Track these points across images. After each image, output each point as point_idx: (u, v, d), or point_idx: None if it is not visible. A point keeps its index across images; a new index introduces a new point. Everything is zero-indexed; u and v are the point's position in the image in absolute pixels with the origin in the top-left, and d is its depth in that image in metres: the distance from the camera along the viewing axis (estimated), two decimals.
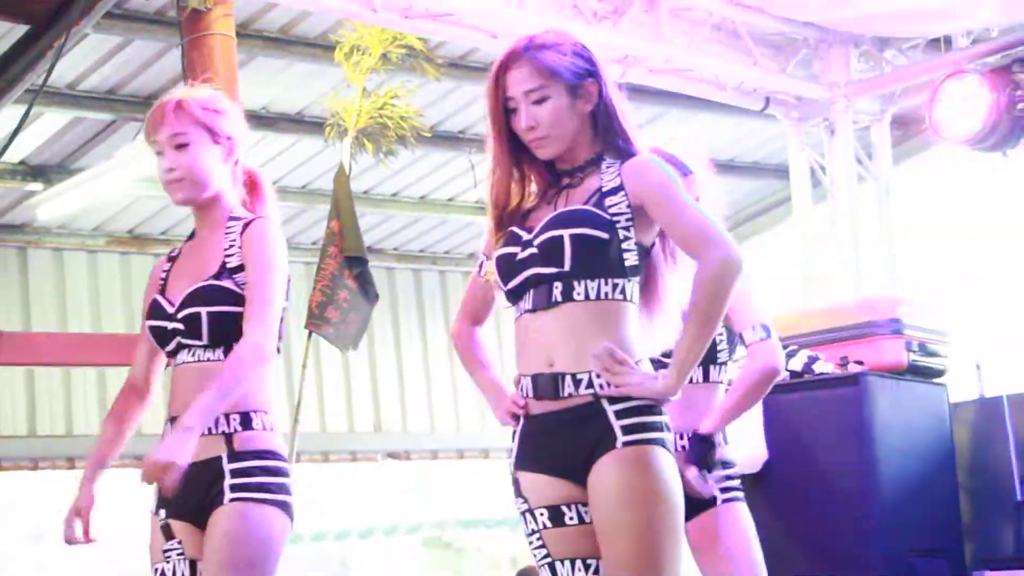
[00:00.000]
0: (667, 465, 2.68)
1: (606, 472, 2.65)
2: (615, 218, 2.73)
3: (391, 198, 10.64)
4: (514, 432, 2.80)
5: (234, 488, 2.99)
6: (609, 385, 2.68)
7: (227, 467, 3.01)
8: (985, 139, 7.61)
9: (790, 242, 8.66)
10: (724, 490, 3.63)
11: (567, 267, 2.72)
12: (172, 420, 3.08)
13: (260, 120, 8.95)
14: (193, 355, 3.09)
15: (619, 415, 2.68)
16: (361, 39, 7.44)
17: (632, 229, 2.74)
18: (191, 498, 3.01)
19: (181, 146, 3.15)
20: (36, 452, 10.31)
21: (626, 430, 2.66)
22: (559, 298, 2.72)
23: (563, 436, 2.70)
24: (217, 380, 2.96)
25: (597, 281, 2.72)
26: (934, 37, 8.10)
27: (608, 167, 2.80)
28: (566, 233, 2.72)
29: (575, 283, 2.71)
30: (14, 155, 8.91)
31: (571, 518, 2.69)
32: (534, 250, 2.75)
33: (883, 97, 8.44)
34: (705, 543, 3.61)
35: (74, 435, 10.46)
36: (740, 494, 3.69)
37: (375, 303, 7.40)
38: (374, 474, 11.99)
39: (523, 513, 2.74)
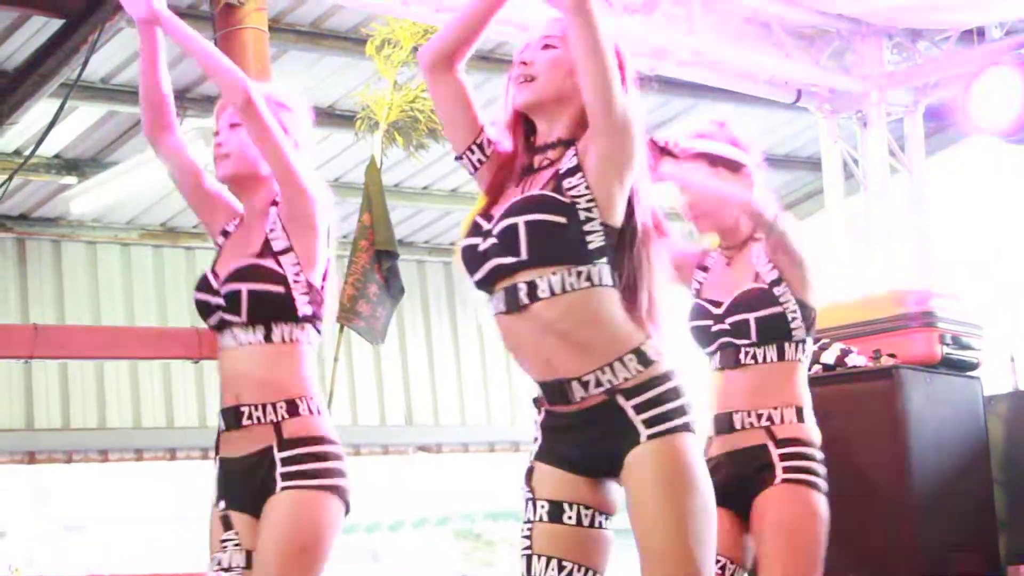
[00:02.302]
0: (694, 452, 2.62)
1: (636, 469, 2.59)
2: (575, 200, 2.61)
3: (422, 191, 10.67)
4: (536, 421, 2.75)
5: (285, 476, 3.01)
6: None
7: (277, 456, 3.03)
8: (1019, 131, 7.56)
9: (822, 234, 8.63)
10: (790, 469, 3.50)
11: (524, 255, 2.60)
12: (224, 412, 3.10)
13: None
14: (234, 338, 3.10)
15: (638, 409, 2.59)
16: (392, 32, 7.45)
17: (595, 209, 2.61)
18: (248, 489, 3.05)
19: (235, 125, 3.19)
20: (70, 445, 10.38)
21: (648, 423, 2.59)
22: (525, 300, 2.61)
23: (583, 434, 2.63)
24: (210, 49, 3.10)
25: (560, 273, 2.60)
26: (967, 28, 8.05)
27: (571, 150, 2.68)
28: (520, 220, 2.61)
29: (538, 279, 2.60)
30: (49, 149, 8.97)
31: (569, 517, 2.64)
32: (494, 240, 2.65)
33: (916, 89, 8.39)
34: (756, 522, 3.51)
35: (107, 428, 10.53)
36: (809, 476, 3.51)
37: (400, 298, 7.41)
38: (405, 467, 12.01)
39: (526, 501, 2.70)
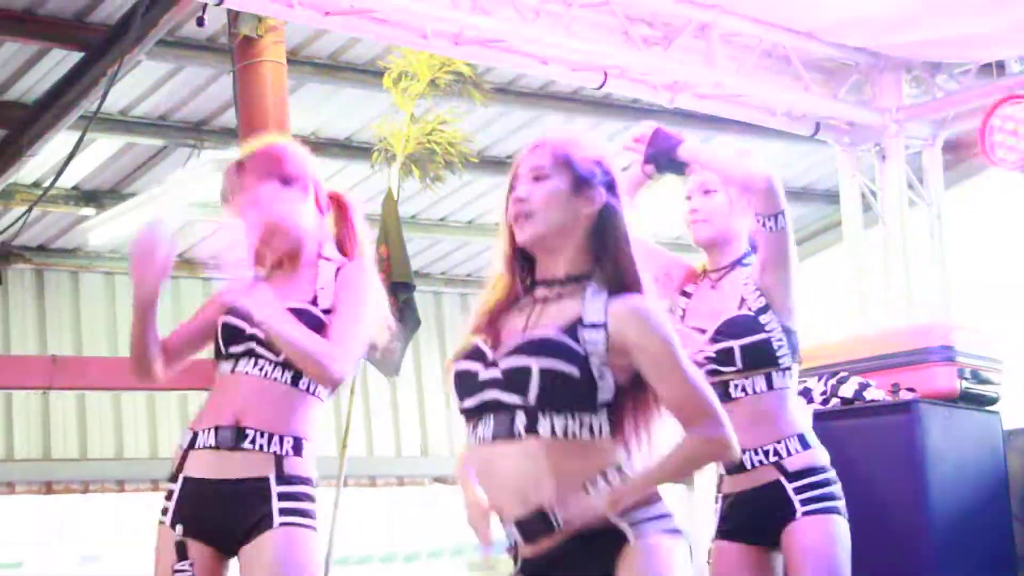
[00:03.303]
0: (677, 555, 2.54)
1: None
2: (590, 355, 2.52)
3: (439, 223, 10.68)
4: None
5: (283, 512, 2.96)
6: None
7: (275, 489, 2.98)
8: None
9: (840, 267, 8.60)
10: (807, 501, 3.48)
11: (532, 400, 2.50)
12: (220, 428, 3.02)
13: (309, 145, 8.90)
14: (259, 369, 3.04)
15: (632, 523, 2.51)
16: (410, 65, 7.47)
17: (607, 367, 2.53)
18: (225, 517, 2.97)
19: (254, 203, 3.14)
20: (87, 475, 10.39)
21: (637, 533, 2.50)
22: (522, 431, 2.50)
23: (569, 561, 2.52)
24: (303, 330, 2.96)
25: (564, 417, 2.50)
26: (986, 62, 8.04)
27: (594, 295, 2.57)
28: (535, 365, 2.50)
29: (539, 416, 2.50)
30: (67, 180, 9.02)
31: None
32: (497, 374, 2.55)
33: (935, 122, 8.38)
34: (786, 557, 3.50)
35: (124, 458, 10.54)
36: (830, 503, 3.50)
37: (416, 330, 7.41)
38: (421, 498, 11.98)
39: None
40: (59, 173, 7.65)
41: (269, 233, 3.11)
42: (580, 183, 2.62)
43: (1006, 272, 9.50)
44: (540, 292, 2.64)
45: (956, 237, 8.66)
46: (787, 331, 3.56)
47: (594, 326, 2.55)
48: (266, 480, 2.98)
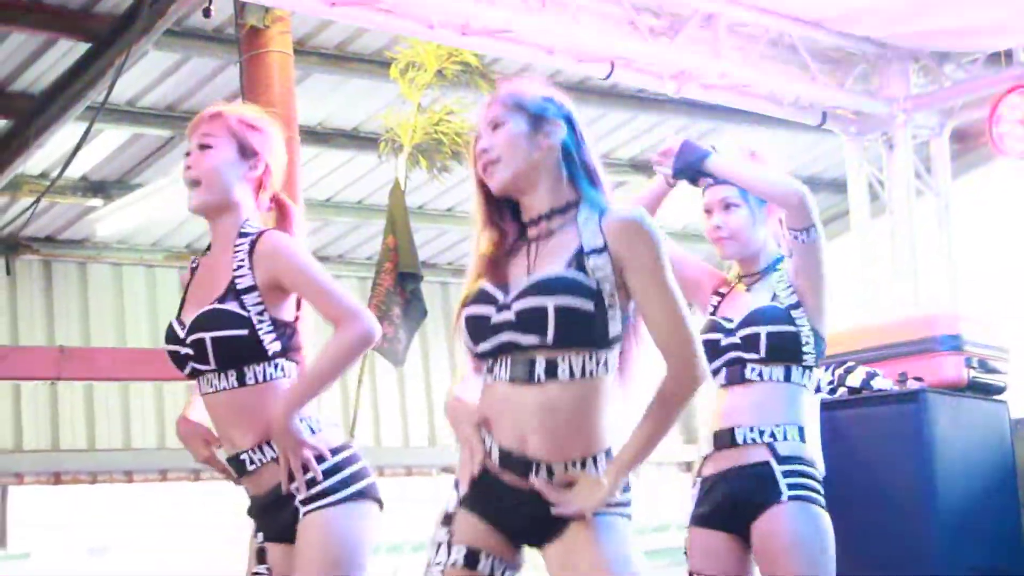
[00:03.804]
0: (624, 536, 2.60)
1: (570, 542, 2.58)
2: (600, 284, 2.57)
3: (446, 213, 10.68)
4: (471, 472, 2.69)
5: (304, 502, 2.96)
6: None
7: (291, 487, 2.98)
8: None
9: (848, 257, 8.60)
10: (795, 486, 3.44)
11: (550, 340, 2.55)
12: (229, 460, 3.06)
13: (316, 136, 9.01)
14: (209, 384, 3.03)
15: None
16: (417, 55, 7.47)
17: (616, 295, 2.59)
18: (277, 521, 3.00)
19: (204, 146, 3.10)
20: (95, 465, 10.42)
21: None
22: (542, 376, 2.57)
23: (519, 504, 2.61)
24: (324, 365, 2.94)
25: (581, 356, 2.57)
26: (994, 52, 8.02)
27: (586, 220, 2.64)
28: (551, 303, 2.54)
29: (559, 359, 2.56)
30: (75, 171, 9.02)
31: (484, 566, 2.62)
32: (511, 316, 2.59)
33: (942, 111, 8.37)
34: (763, 541, 3.46)
35: (132, 449, 10.56)
36: (816, 496, 3.48)
37: (422, 320, 7.42)
38: (428, 488, 11.99)
39: (439, 543, 2.68)
40: (66, 164, 7.65)
41: (196, 180, 3.09)
42: (536, 120, 2.69)
43: (1013, 261, 9.49)
44: (531, 232, 2.70)
45: (963, 227, 8.65)
46: (816, 333, 3.55)
47: (596, 251, 2.61)
48: (279, 486, 2.98)
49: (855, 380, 5.77)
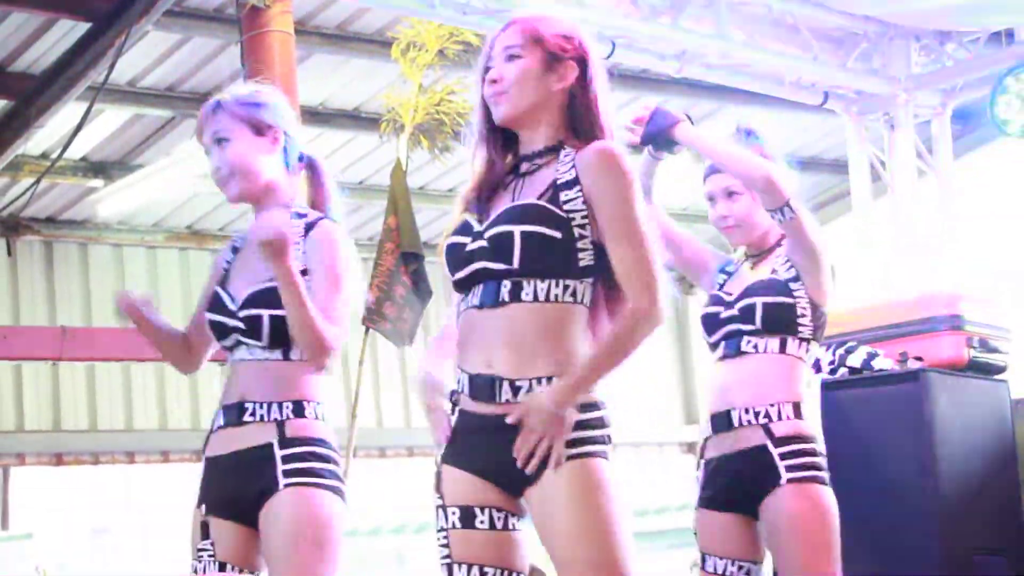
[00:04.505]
0: (611, 475, 2.57)
1: (551, 488, 2.54)
2: (570, 215, 2.59)
3: (447, 194, 10.66)
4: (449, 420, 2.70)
5: (287, 474, 2.96)
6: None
7: (278, 453, 2.98)
8: None
9: (849, 237, 8.60)
10: (793, 468, 3.46)
11: (516, 265, 2.58)
12: (227, 408, 3.06)
13: (317, 116, 9.00)
14: (252, 353, 3.06)
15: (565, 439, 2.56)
16: (418, 35, 7.46)
17: (588, 227, 2.60)
18: (236, 489, 3.00)
19: (221, 141, 3.12)
20: (97, 446, 10.43)
21: (571, 444, 2.55)
22: (506, 297, 2.59)
23: (495, 441, 2.57)
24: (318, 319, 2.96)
25: (548, 282, 2.58)
26: (996, 30, 8.01)
27: (566, 156, 2.66)
28: (517, 230, 2.58)
29: (524, 282, 2.58)
30: (75, 151, 9.01)
31: (481, 522, 2.59)
32: (483, 243, 2.63)
33: (944, 91, 8.36)
34: (769, 525, 3.49)
35: (134, 430, 10.57)
36: (817, 472, 3.47)
37: (428, 300, 7.42)
38: (430, 469, 12.01)
39: (436, 508, 2.65)
40: (67, 144, 7.65)
41: (229, 174, 3.11)
42: (551, 60, 2.68)
43: (1015, 241, 9.49)
44: (523, 167, 2.72)
45: (965, 206, 8.65)
46: (814, 306, 3.55)
47: (568, 184, 2.63)
48: (269, 446, 2.99)
49: (856, 360, 5.77)
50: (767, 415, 3.49)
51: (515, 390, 2.57)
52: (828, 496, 3.51)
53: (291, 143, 3.20)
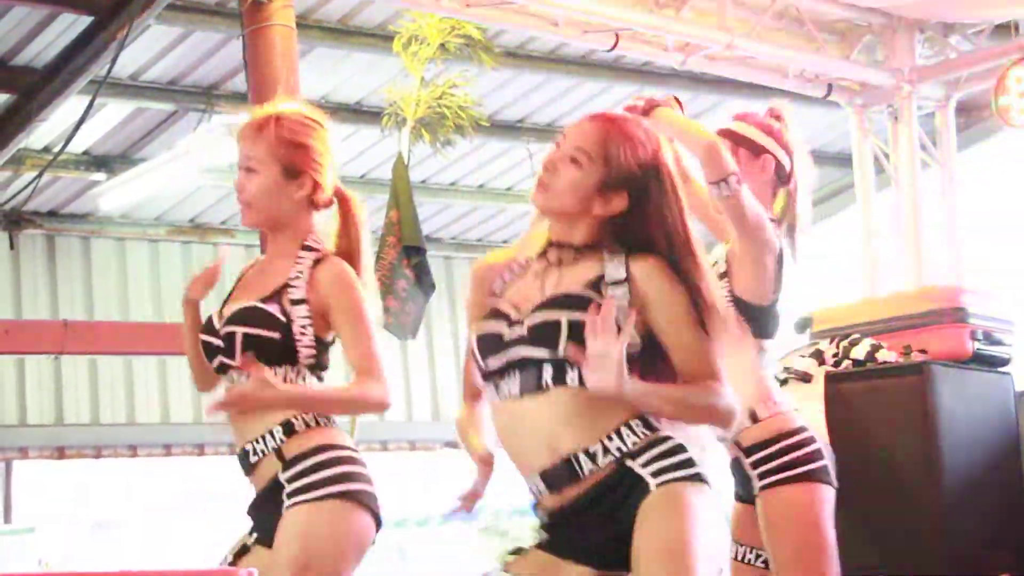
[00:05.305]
0: (705, 502, 2.55)
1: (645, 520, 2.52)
2: (616, 309, 2.52)
3: (449, 187, 10.66)
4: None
5: (289, 495, 2.94)
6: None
7: (282, 478, 2.96)
8: None
9: (853, 230, 8.58)
10: (764, 474, 3.47)
11: (560, 352, 2.53)
12: (240, 458, 3.05)
13: (319, 110, 8.99)
14: (233, 382, 3.03)
15: (646, 464, 2.54)
16: (419, 29, 7.45)
17: (624, 324, 2.53)
18: (269, 514, 2.98)
19: (251, 171, 3.09)
20: (99, 440, 10.43)
21: (656, 474, 2.53)
22: (549, 383, 2.54)
23: (589, 521, 2.55)
24: (333, 393, 2.98)
25: None
26: (1000, 22, 7.99)
27: (612, 256, 2.62)
28: (563, 317, 2.53)
29: (567, 366, 2.53)
30: (78, 145, 9.01)
31: None
32: (523, 331, 2.58)
33: (948, 83, 8.34)
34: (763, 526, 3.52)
35: (136, 423, 10.57)
36: (793, 471, 3.46)
37: (431, 293, 7.42)
38: (432, 463, 12.01)
39: None
40: (69, 138, 7.64)
41: (247, 204, 3.11)
42: (610, 182, 2.63)
43: (1019, 233, 9.47)
44: (552, 255, 2.67)
45: (969, 199, 8.63)
46: (741, 303, 3.46)
47: (616, 283, 2.58)
48: (275, 476, 2.98)
49: (860, 353, 5.76)
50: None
51: (593, 458, 2.54)
52: (801, 493, 3.48)
53: (322, 183, 3.15)
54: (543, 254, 2.69)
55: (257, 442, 2.99)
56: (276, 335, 2.99)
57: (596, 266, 2.62)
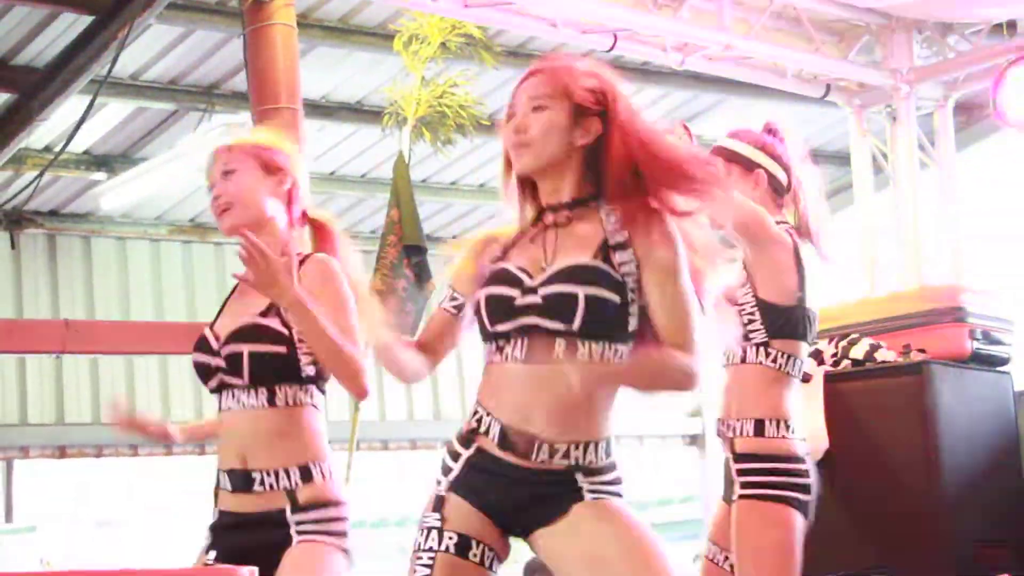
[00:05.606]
0: (631, 513, 2.61)
1: (575, 525, 2.58)
2: (625, 278, 2.58)
3: (450, 186, 10.67)
4: (455, 452, 2.71)
5: (301, 532, 2.95)
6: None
7: (291, 518, 2.96)
8: None
9: (851, 230, 8.60)
10: (746, 485, 3.48)
11: (576, 327, 2.55)
12: (231, 474, 3.02)
13: (320, 109, 9.00)
14: (236, 400, 3.01)
15: (592, 486, 2.60)
16: (420, 28, 7.46)
17: (637, 291, 2.60)
18: (250, 543, 2.97)
19: (228, 173, 3.08)
20: (101, 439, 10.44)
21: (593, 492, 2.59)
22: (560, 356, 2.56)
23: (515, 489, 2.61)
24: (346, 343, 2.90)
25: (602, 344, 2.58)
26: (998, 22, 8.00)
27: (608, 214, 2.64)
28: (581, 292, 2.55)
29: (579, 344, 2.56)
30: (78, 145, 9.02)
31: (474, 555, 2.61)
32: (537, 299, 2.59)
33: (946, 83, 8.35)
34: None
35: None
36: (770, 491, 3.46)
37: (431, 293, 7.42)
38: (433, 462, 12.02)
39: (428, 528, 2.65)
40: (70, 138, 7.65)
41: (229, 203, 3.08)
42: (578, 114, 2.66)
43: (1017, 233, 9.48)
44: (548, 218, 2.70)
45: (967, 199, 8.64)
46: (766, 306, 3.51)
47: (620, 247, 2.61)
48: (282, 512, 2.97)
49: (859, 352, 5.78)
50: (733, 429, 3.56)
51: (552, 453, 2.58)
52: (775, 513, 3.47)
53: (297, 193, 3.15)
54: (536, 221, 2.72)
55: (268, 474, 2.98)
56: (282, 349, 2.98)
57: (595, 228, 2.64)
